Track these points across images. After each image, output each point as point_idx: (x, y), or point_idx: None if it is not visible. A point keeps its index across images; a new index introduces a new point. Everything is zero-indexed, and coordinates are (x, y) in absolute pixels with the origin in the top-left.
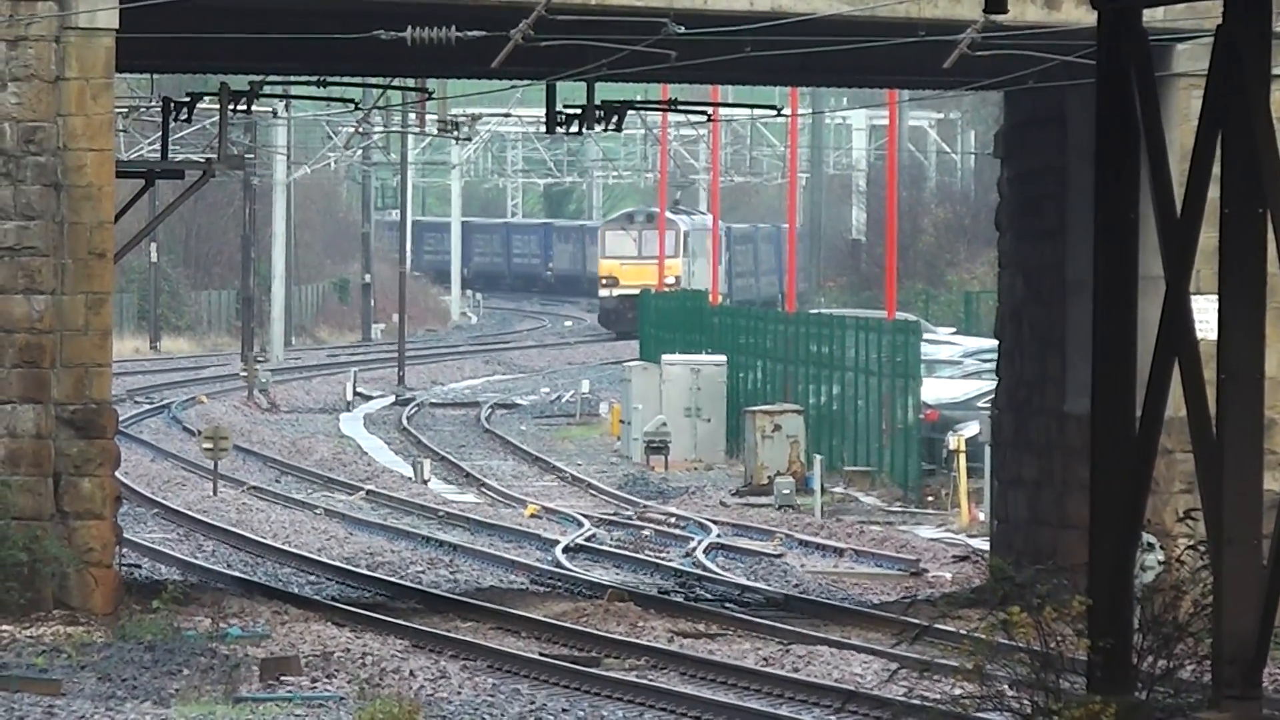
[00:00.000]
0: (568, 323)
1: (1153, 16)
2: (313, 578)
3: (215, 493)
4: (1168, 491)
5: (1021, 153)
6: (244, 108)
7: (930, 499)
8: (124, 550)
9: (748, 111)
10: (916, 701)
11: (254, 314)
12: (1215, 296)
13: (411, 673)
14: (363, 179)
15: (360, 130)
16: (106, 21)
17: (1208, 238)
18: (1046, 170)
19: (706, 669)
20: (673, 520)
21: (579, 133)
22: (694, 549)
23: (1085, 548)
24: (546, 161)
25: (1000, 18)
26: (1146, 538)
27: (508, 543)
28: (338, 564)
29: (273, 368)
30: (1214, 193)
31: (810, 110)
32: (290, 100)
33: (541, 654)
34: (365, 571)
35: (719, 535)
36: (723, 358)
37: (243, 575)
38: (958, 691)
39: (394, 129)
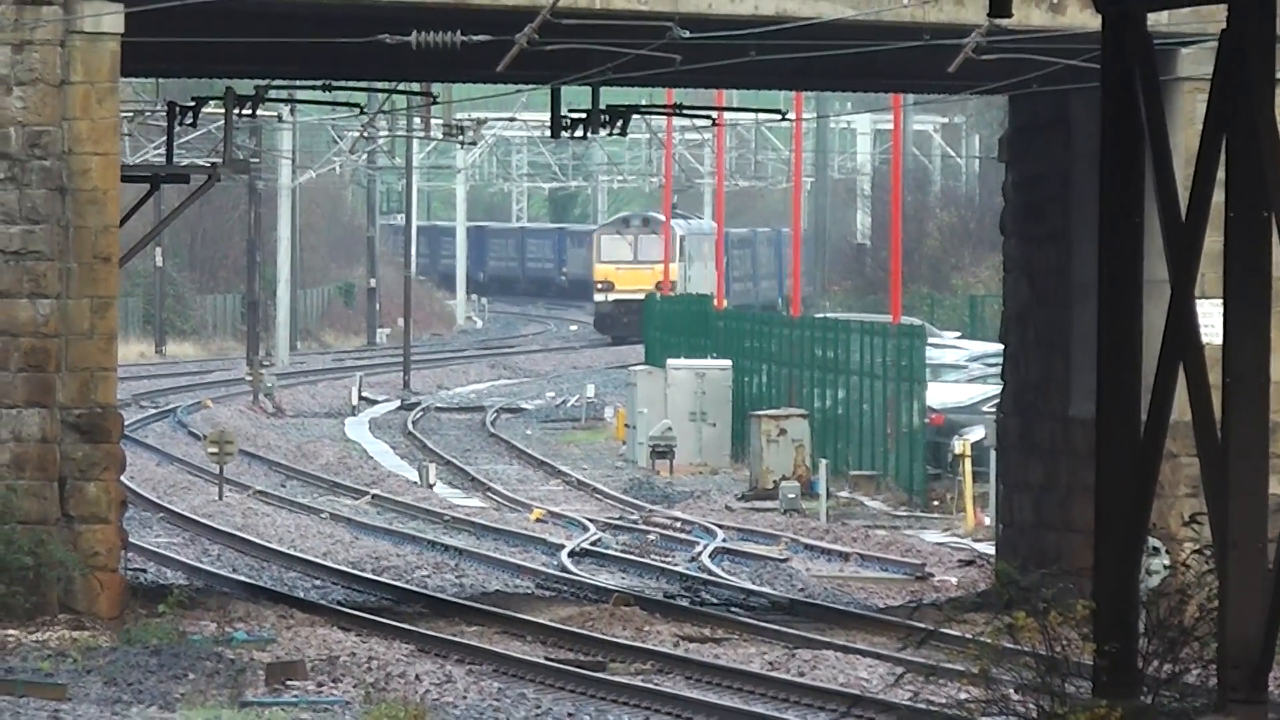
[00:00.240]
0: (573, 327)
1: (1157, 20)
2: (318, 582)
3: (221, 497)
4: (1173, 496)
5: (1026, 157)
6: (249, 112)
7: (935, 503)
8: (129, 554)
9: (753, 116)
10: (922, 706)
11: (259, 318)
12: (1220, 300)
13: (417, 677)
14: (368, 183)
15: (365, 134)
16: (111, 26)
17: (1212, 241)
18: (1051, 174)
19: (712, 673)
20: (678, 524)
21: (584, 137)
22: (699, 553)
23: (1090, 552)
24: (551, 166)
25: (1005, 22)
26: (1151, 542)
27: (513, 547)
28: (343, 568)
29: (278, 372)
30: (1219, 196)
31: (815, 114)
32: (295, 104)
33: (547, 658)
34: (371, 576)
35: (724, 539)
36: (728, 362)
37: (248, 579)
38: (963, 696)
39: (399, 133)
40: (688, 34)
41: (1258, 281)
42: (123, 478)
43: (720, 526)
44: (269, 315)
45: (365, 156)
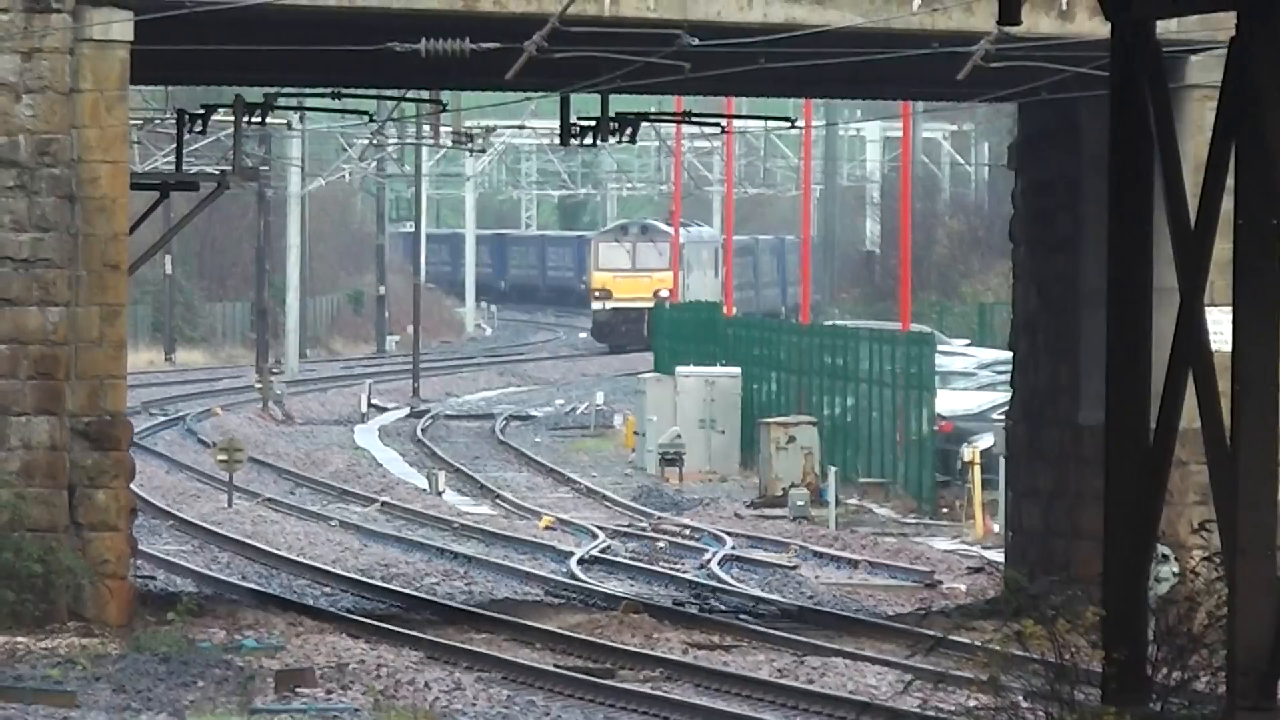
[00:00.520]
0: (582, 334)
1: (1166, 28)
2: (328, 589)
3: (230, 505)
4: (1182, 503)
5: (1035, 164)
6: (258, 119)
7: (945, 510)
8: (138, 562)
9: (762, 123)
10: (931, 713)
11: (268, 326)
12: (1229, 308)
13: (426, 684)
14: (377, 191)
15: (374, 142)
16: (121, 34)
17: (1221, 249)
18: (1060, 182)
19: (721, 681)
20: (687, 532)
21: (593, 144)
22: (708, 561)
23: (1100, 559)
24: (561, 173)
25: (1014, 30)
26: (1161, 549)
27: (522, 554)
28: (353, 576)
29: (287, 379)
30: (1228, 204)
31: (824, 122)
32: (304, 112)
33: (556, 666)
34: (380, 583)
35: (733, 547)
36: (737, 370)
37: (258, 587)
38: (972, 703)
39: (408, 141)
40: (697, 42)
41: (1267, 289)
42: (132, 485)
43: (729, 534)
44: (278, 323)
45: (374, 164)
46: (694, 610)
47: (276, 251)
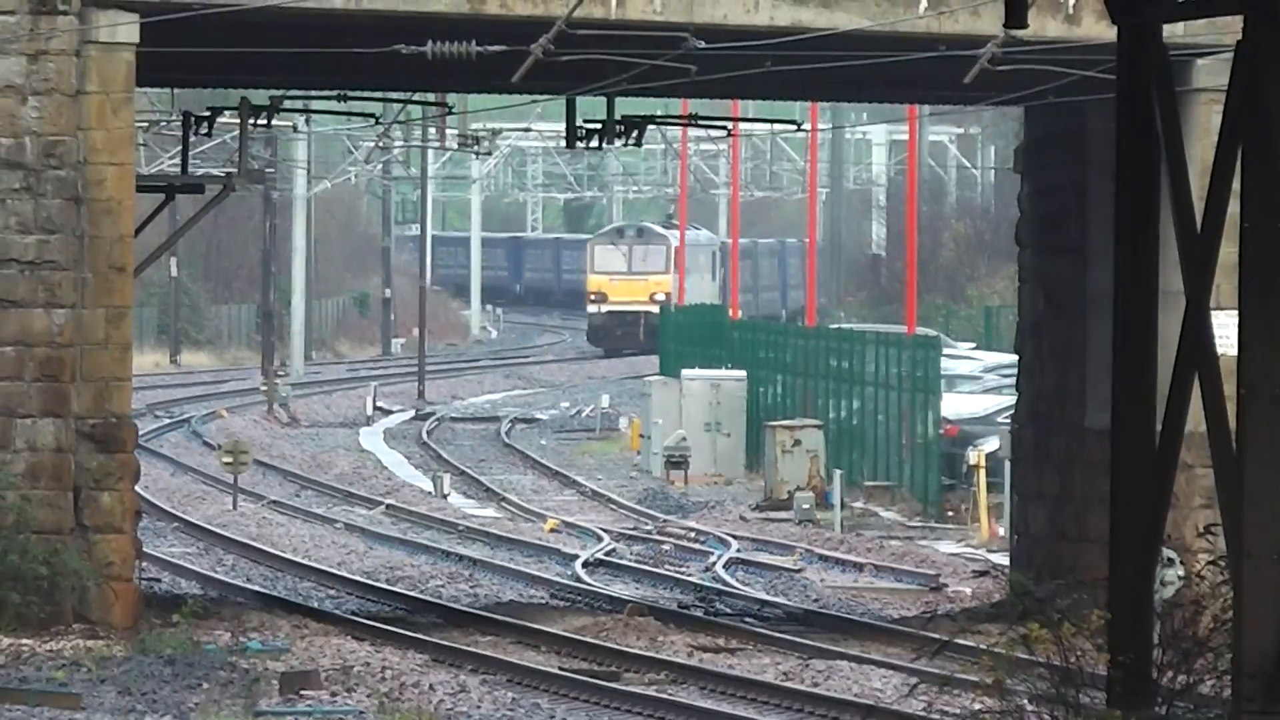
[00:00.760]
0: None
1: (1173, 32)
2: (332, 592)
3: (235, 507)
4: (1188, 506)
5: (1042, 168)
6: (264, 122)
7: (950, 514)
8: (144, 564)
9: (768, 126)
10: (936, 716)
11: (274, 328)
12: (1235, 311)
13: (431, 687)
14: (383, 193)
15: (380, 145)
16: (127, 36)
17: (1228, 253)
18: (1067, 185)
19: (726, 684)
20: (692, 535)
21: (599, 147)
22: (714, 564)
23: (1105, 562)
24: (567, 176)
25: (1020, 33)
26: (1166, 553)
27: (527, 557)
28: (358, 578)
29: (293, 382)
30: (1234, 208)
31: (830, 125)
32: (310, 114)
33: (561, 668)
34: (385, 586)
35: (739, 550)
36: (743, 373)
37: (263, 589)
38: (977, 706)
39: (414, 143)
40: (703, 44)
41: (1273, 292)
42: (137, 487)
43: (734, 537)
44: (284, 325)
45: (380, 167)
46: (699, 613)
47: (282, 254)
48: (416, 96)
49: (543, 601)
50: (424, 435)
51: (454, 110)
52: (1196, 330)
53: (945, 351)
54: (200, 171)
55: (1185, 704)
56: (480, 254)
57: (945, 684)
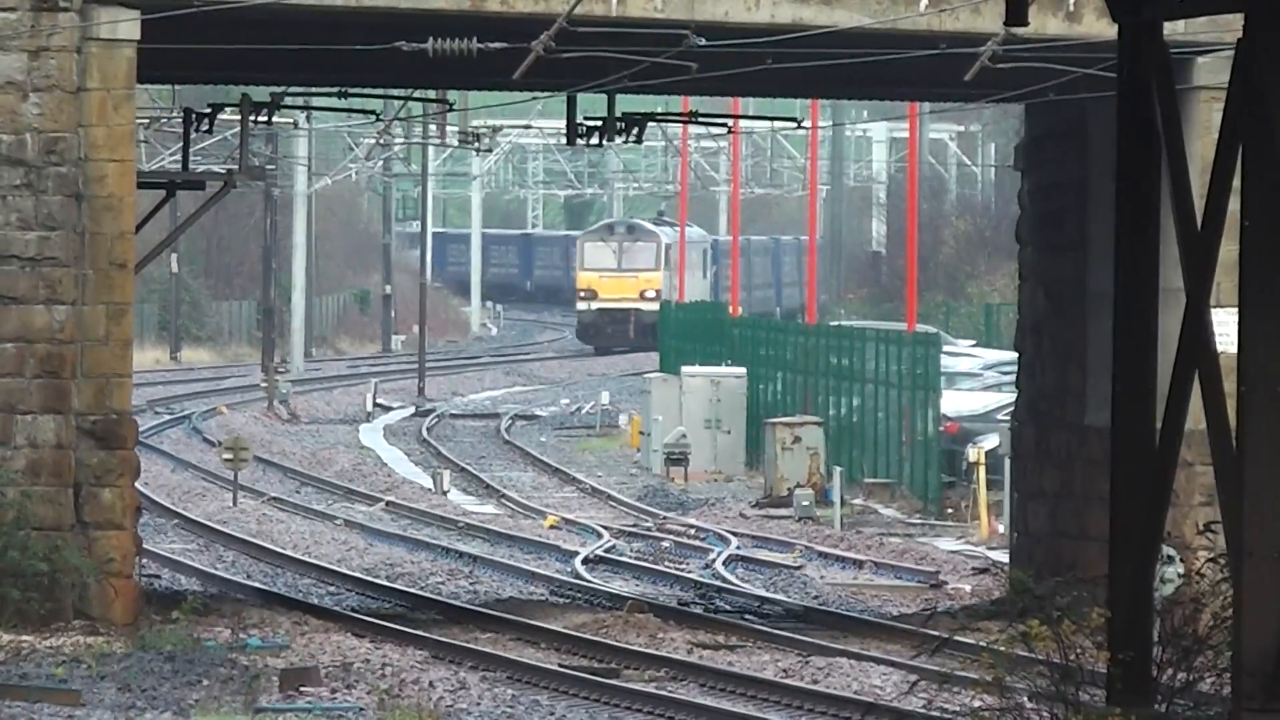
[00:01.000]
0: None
1: (1174, 29)
2: (332, 588)
3: (235, 503)
4: (1188, 504)
5: (1042, 165)
6: (265, 119)
7: (950, 511)
8: (144, 561)
9: (768, 124)
10: (936, 714)
11: (274, 325)
12: (1235, 309)
13: (431, 683)
14: (384, 190)
15: (381, 141)
16: (128, 32)
17: (1228, 250)
18: (1067, 183)
19: (726, 680)
20: (692, 532)
21: (599, 144)
22: (713, 560)
23: (1105, 560)
24: (567, 173)
25: (1021, 31)
26: (1166, 550)
27: (527, 554)
28: (357, 575)
29: (293, 378)
30: (1234, 205)
31: (831, 122)
32: (311, 111)
33: (561, 665)
34: (385, 582)
35: (738, 547)
36: (743, 370)
37: (263, 586)
38: (977, 704)
39: (415, 140)
40: (704, 42)
41: (1273, 290)
42: (137, 484)
43: (734, 534)
44: (284, 322)
45: (381, 163)
46: (699, 610)
47: (283, 250)
48: (417, 93)
49: (542, 598)
50: (424, 432)
51: (455, 107)
52: (1197, 328)
53: (945, 349)
54: (201, 168)
55: (1185, 702)
56: (491, 251)
57: (945, 681)
